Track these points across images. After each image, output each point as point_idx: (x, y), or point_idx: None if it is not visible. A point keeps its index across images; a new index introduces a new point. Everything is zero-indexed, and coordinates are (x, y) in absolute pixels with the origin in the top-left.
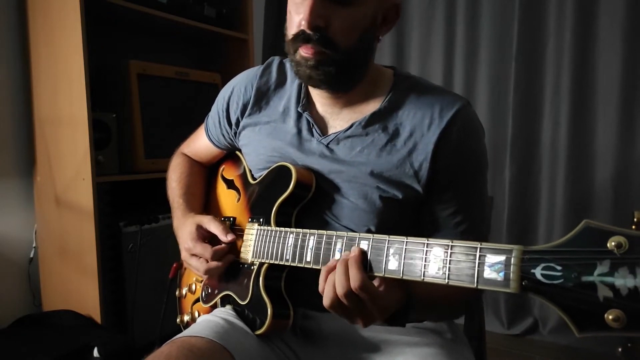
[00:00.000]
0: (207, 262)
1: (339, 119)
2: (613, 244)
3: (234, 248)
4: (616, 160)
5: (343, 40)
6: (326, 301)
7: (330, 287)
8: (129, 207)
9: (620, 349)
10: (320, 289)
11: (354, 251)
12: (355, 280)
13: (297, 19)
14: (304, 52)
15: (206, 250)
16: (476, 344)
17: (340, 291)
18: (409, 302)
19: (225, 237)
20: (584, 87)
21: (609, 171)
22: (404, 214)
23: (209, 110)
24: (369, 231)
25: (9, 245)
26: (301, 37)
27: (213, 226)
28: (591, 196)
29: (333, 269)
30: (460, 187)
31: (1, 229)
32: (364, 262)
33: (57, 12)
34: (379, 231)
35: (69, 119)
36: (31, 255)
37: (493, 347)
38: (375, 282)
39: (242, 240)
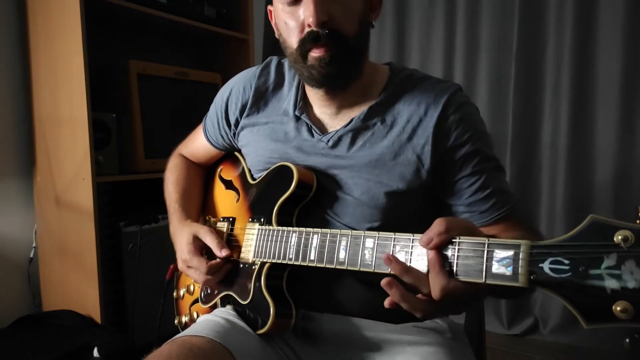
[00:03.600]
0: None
1: (337, 119)
2: (620, 237)
3: (233, 249)
4: (616, 160)
5: (347, 28)
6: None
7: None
8: (129, 207)
9: (627, 340)
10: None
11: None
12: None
13: (295, 24)
14: (316, 52)
15: (202, 264)
16: (476, 344)
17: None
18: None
19: (220, 253)
20: (584, 87)
21: (609, 171)
22: (406, 212)
23: (206, 114)
24: (370, 229)
25: (9, 245)
26: (310, 38)
27: (209, 239)
28: (591, 196)
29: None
30: (476, 162)
31: (1, 229)
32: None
33: (57, 12)
34: (381, 229)
35: (69, 119)
36: (31, 255)
37: (493, 347)
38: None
39: (239, 249)
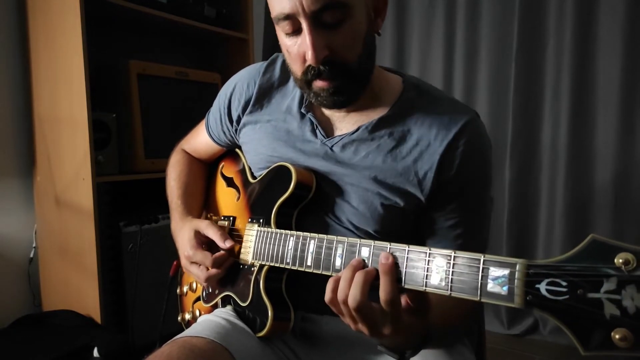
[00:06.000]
0: (208, 269)
1: (345, 121)
2: (620, 260)
3: (233, 249)
4: (616, 161)
5: (349, 55)
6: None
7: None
8: (129, 207)
9: None
10: (326, 298)
11: (386, 258)
12: (387, 293)
13: (296, 54)
14: (320, 84)
15: (206, 258)
16: (476, 344)
17: (352, 304)
18: (428, 333)
19: (224, 244)
20: (584, 87)
21: (609, 171)
22: (404, 222)
23: (209, 109)
24: (367, 234)
25: (9, 245)
26: (312, 73)
27: (211, 232)
28: (591, 196)
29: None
30: (463, 201)
31: (1, 229)
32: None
33: (57, 12)
34: (378, 236)
35: (69, 119)
36: (31, 255)
37: (493, 347)
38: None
39: (241, 244)
